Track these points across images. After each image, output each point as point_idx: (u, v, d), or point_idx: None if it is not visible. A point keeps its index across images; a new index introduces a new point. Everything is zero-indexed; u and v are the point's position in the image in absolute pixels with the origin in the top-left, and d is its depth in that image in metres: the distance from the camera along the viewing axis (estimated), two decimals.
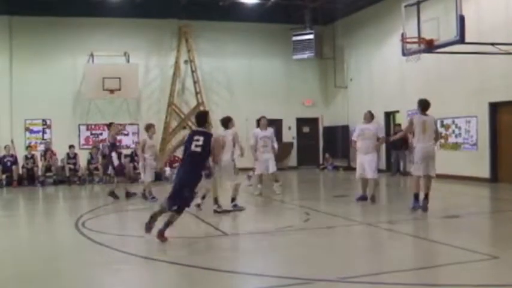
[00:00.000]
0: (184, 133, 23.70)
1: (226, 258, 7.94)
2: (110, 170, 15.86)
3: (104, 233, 9.77)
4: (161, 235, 8.55)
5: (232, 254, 8.38)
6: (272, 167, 14.77)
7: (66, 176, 20.69)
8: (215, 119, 12.50)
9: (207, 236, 9.53)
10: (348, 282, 6.36)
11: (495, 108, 17.28)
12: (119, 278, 7.02)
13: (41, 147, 22.25)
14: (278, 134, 26.06)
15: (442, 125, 18.86)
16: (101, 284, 6.83)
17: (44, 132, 23.28)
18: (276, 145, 14.88)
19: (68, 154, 21.16)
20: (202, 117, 9.32)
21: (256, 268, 7.32)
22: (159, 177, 17.77)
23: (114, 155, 15.14)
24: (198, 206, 11.76)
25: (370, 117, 13.20)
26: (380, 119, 22.88)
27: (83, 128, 23.72)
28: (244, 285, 6.80)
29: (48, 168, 20.87)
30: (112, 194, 14.93)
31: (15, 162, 20.54)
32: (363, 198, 13.10)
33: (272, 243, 9.04)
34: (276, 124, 25.42)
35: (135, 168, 19.86)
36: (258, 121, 15.12)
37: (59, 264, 7.77)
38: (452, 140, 18.65)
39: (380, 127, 14.33)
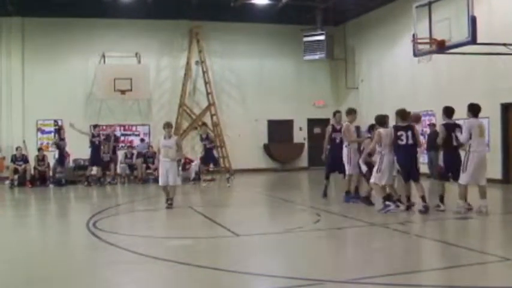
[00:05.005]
0: (193, 134, 23.88)
1: (236, 259, 7.94)
2: None
3: (115, 234, 9.82)
4: None
5: (242, 254, 8.38)
6: None
7: (78, 176, 20.70)
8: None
9: (218, 237, 9.55)
10: (358, 283, 6.34)
11: (507, 109, 17.19)
12: (129, 278, 7.03)
13: (53, 148, 22.29)
14: (289, 135, 26.15)
15: None
16: (111, 285, 6.86)
17: (55, 132, 23.40)
18: None
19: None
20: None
21: (266, 269, 7.32)
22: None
23: None
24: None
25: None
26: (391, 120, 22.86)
27: None
28: (253, 285, 6.79)
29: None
30: None
31: (26, 162, 20.42)
32: None
33: (282, 244, 9.04)
34: (287, 125, 25.49)
35: None
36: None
37: (71, 265, 7.82)
38: None
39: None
